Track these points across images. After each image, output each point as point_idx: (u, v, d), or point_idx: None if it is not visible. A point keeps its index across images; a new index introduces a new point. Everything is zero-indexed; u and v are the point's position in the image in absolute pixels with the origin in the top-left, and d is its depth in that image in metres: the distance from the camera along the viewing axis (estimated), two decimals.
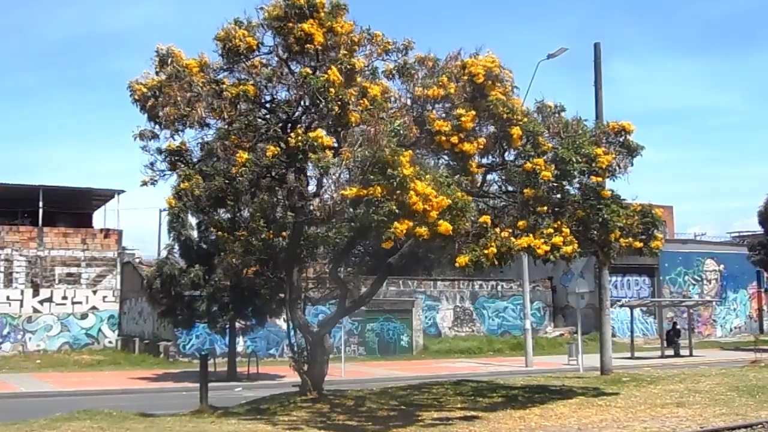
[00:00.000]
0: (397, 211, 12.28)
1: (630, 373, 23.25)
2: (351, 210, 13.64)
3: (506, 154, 15.46)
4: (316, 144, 13.43)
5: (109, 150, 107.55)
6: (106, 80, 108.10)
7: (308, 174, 13.88)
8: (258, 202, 16.04)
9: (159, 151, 15.49)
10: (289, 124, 15.26)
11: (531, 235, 13.79)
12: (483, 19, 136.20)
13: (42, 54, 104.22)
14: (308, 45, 14.31)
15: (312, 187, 14.96)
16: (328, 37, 14.52)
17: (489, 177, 16.24)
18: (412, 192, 12.28)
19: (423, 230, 12.50)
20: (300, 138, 13.67)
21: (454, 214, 12.70)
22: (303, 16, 14.22)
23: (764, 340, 40.67)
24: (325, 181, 14.26)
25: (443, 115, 14.50)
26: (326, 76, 13.88)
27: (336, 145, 14.35)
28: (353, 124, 13.77)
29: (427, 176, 12.83)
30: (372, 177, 12.65)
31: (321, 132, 13.87)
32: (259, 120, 15.61)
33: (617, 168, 15.68)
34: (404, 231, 12.30)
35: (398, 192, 12.37)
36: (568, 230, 14.17)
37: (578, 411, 15.36)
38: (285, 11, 14.26)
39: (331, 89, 13.71)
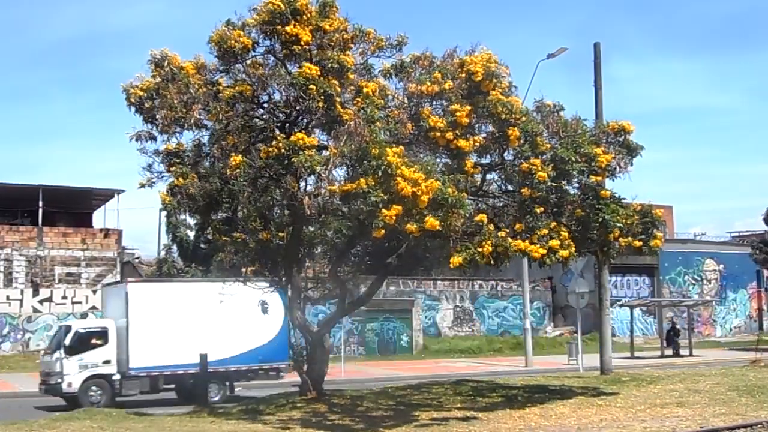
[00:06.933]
0: (385, 198, 12.25)
1: (630, 373, 23.24)
2: (341, 205, 13.65)
3: (505, 153, 15.45)
4: (298, 146, 13.39)
5: (109, 150, 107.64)
6: (106, 80, 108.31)
7: (299, 174, 13.80)
8: (254, 202, 16.05)
9: (156, 152, 15.52)
10: (287, 125, 15.26)
11: (527, 239, 13.73)
12: (482, 19, 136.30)
13: (42, 53, 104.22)
14: (295, 46, 14.32)
15: (310, 187, 14.97)
16: (318, 36, 14.50)
17: (488, 177, 16.24)
18: (399, 178, 12.25)
19: (413, 226, 12.46)
20: (282, 143, 13.64)
21: (446, 211, 12.65)
22: (287, 20, 14.23)
23: (765, 340, 40.63)
24: (311, 179, 14.25)
25: (441, 113, 14.48)
26: (303, 71, 13.85)
27: (326, 143, 14.36)
28: (343, 118, 13.72)
29: (416, 165, 12.81)
30: (359, 169, 12.65)
31: (302, 134, 13.81)
32: (257, 120, 15.63)
33: (617, 167, 15.68)
34: (393, 217, 12.23)
35: (384, 180, 12.32)
36: (566, 234, 14.12)
37: (578, 411, 15.36)
38: (270, 17, 14.29)
39: (312, 85, 13.68)
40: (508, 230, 13.89)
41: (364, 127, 13.00)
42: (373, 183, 12.34)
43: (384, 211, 12.21)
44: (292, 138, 13.67)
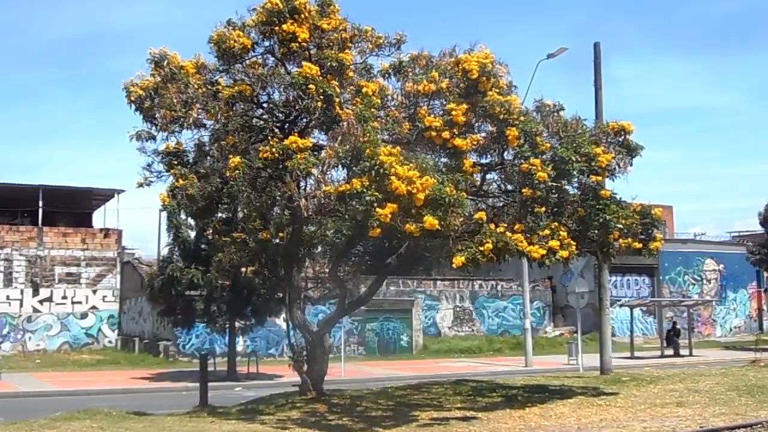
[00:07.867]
0: (380, 197, 12.23)
1: (630, 373, 23.23)
2: (339, 205, 13.65)
3: (505, 153, 15.44)
4: (291, 149, 13.37)
5: (109, 150, 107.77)
6: (106, 80, 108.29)
7: (294, 177, 13.78)
8: (254, 202, 16.04)
9: (156, 152, 15.52)
10: (287, 125, 15.25)
11: (527, 239, 13.72)
12: (482, 19, 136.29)
13: (42, 53, 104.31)
14: (293, 44, 14.27)
15: (309, 188, 14.98)
16: (316, 35, 14.48)
17: (488, 176, 16.23)
18: (393, 177, 12.22)
19: (412, 227, 12.45)
20: (276, 148, 13.60)
21: (444, 210, 12.65)
22: (285, 18, 14.19)
23: (765, 339, 40.63)
24: (310, 180, 14.24)
25: (440, 112, 14.47)
26: (303, 71, 13.78)
27: (324, 143, 14.35)
28: (342, 118, 13.69)
29: (411, 164, 12.81)
30: (354, 169, 12.64)
31: (295, 137, 13.76)
32: (256, 120, 15.62)
33: (617, 168, 15.68)
34: (388, 216, 12.20)
35: (378, 180, 12.28)
36: (565, 233, 14.10)
37: (578, 410, 15.35)
38: (268, 16, 14.26)
39: (312, 85, 13.66)
40: (506, 225, 13.87)
41: (358, 127, 13.00)
42: (367, 183, 12.33)
43: (378, 210, 12.21)
44: (285, 142, 13.60)
